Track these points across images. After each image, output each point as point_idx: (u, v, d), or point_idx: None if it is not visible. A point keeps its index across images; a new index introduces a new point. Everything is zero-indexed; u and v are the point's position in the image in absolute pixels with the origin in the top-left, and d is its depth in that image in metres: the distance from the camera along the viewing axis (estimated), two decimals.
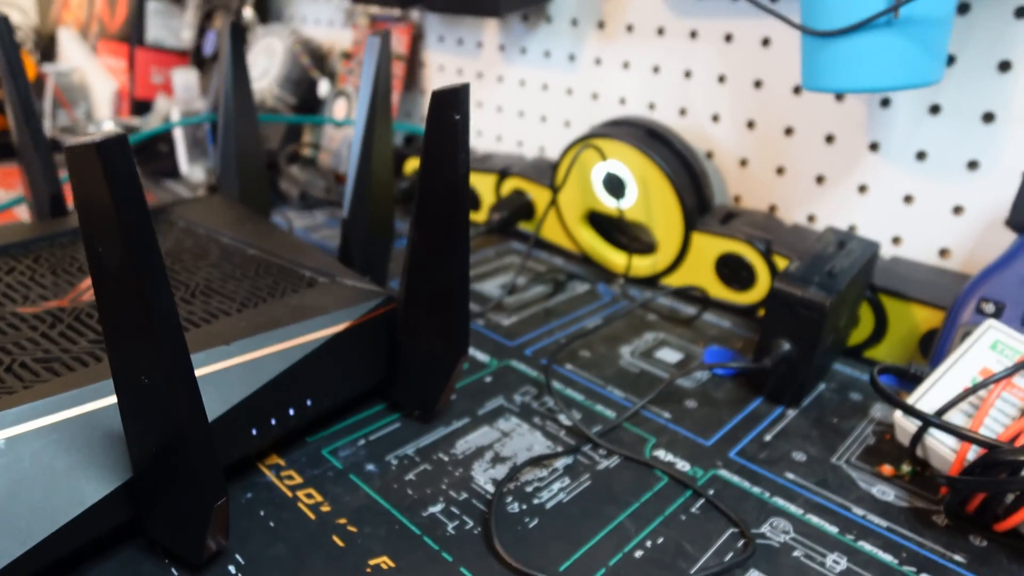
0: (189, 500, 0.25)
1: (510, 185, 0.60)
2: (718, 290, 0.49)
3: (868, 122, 0.45)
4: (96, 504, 0.25)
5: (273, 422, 0.31)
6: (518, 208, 0.59)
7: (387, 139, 0.42)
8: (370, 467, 0.34)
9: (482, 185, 0.62)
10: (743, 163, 0.52)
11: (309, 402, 0.33)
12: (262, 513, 0.30)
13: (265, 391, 0.30)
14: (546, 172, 0.58)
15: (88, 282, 0.37)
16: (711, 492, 0.33)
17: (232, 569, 0.28)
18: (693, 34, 0.51)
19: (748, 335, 0.47)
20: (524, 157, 0.65)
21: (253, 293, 0.36)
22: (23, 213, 0.64)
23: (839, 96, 0.46)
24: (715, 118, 0.52)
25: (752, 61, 0.49)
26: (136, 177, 0.18)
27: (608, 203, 0.53)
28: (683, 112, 0.53)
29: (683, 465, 0.34)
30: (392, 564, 0.28)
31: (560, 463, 0.34)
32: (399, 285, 0.34)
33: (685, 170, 0.49)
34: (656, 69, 0.54)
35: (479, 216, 0.64)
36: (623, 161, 0.50)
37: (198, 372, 0.28)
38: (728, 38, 0.50)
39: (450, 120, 0.26)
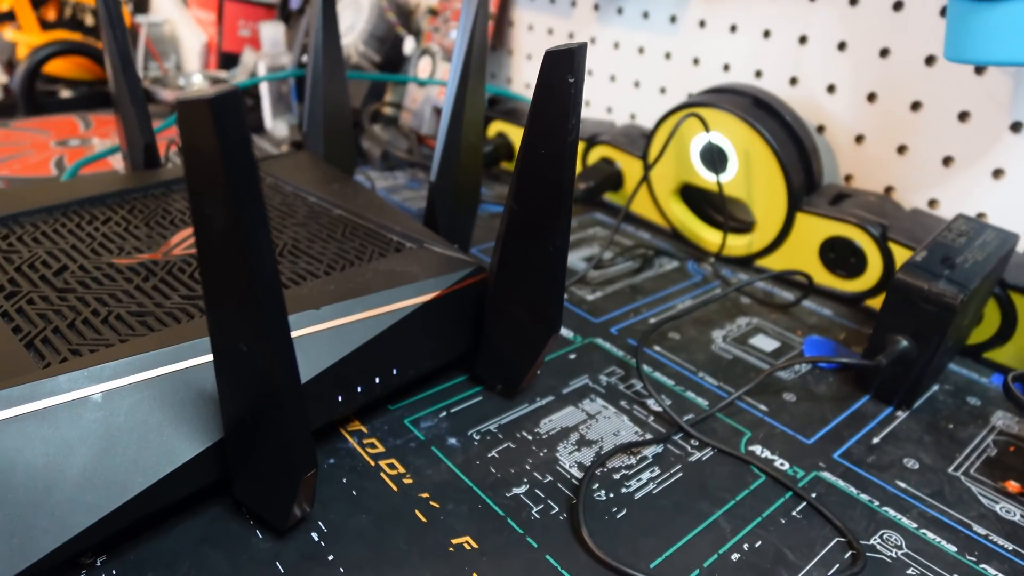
0: (279, 469, 0.24)
1: (598, 153, 0.57)
2: (821, 275, 0.46)
3: (1013, 99, 0.41)
4: (187, 462, 0.25)
5: (359, 389, 0.31)
6: (606, 178, 0.56)
7: (479, 103, 0.40)
8: (452, 441, 0.33)
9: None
10: (859, 139, 0.47)
11: (395, 371, 0.32)
12: (344, 481, 0.30)
13: (352, 358, 0.29)
14: (637, 141, 0.55)
15: (180, 236, 0.37)
16: (814, 495, 0.30)
17: (315, 536, 0.27)
18: None
19: (852, 325, 0.44)
20: (614, 124, 0.62)
21: (340, 255, 0.35)
22: (117, 162, 0.65)
23: (979, 69, 0.41)
24: (830, 89, 0.48)
25: (880, 27, 0.44)
26: (248, 135, 0.17)
27: (705, 177, 0.50)
28: (794, 81, 0.49)
29: (782, 463, 0.32)
30: (475, 545, 0.27)
31: (649, 451, 0.33)
32: (492, 255, 0.33)
33: (794, 145, 0.46)
34: (767, 33, 0.50)
35: None
36: (725, 133, 0.47)
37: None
38: (853, 1, 0.45)
39: (563, 82, 0.24)
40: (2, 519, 0.22)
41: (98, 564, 0.25)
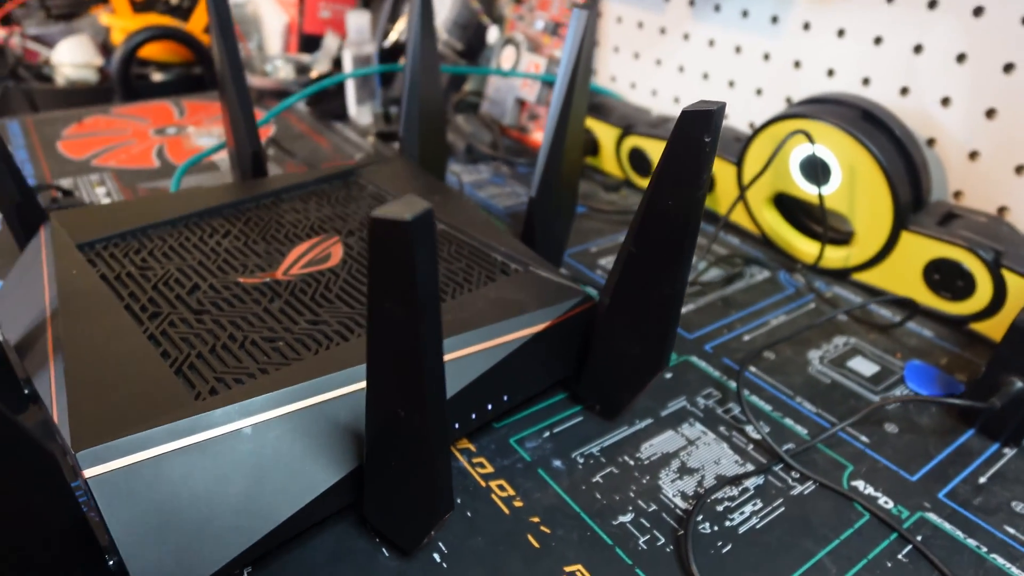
0: (419, 507, 0.26)
1: None
2: (923, 296, 0.45)
3: None
4: (328, 489, 0.27)
5: (473, 416, 0.32)
6: None
7: (581, 120, 0.41)
8: (557, 463, 0.34)
9: (658, 153, 0.59)
10: (973, 156, 0.46)
11: (506, 397, 0.33)
12: (459, 501, 0.32)
13: (469, 389, 0.31)
14: (730, 145, 0.54)
15: (295, 253, 0.39)
16: (919, 538, 0.30)
17: (437, 557, 0.29)
18: (932, 3, 0.45)
19: (954, 349, 0.43)
20: None
21: (450, 278, 0.36)
22: (212, 156, 0.68)
23: None
24: (945, 102, 0.46)
25: (1007, 41, 0.42)
26: (435, 254, 0.18)
27: (804, 188, 0.49)
28: (904, 91, 0.47)
29: (885, 501, 0.32)
30: (588, 574, 0.28)
31: (751, 483, 0.33)
32: (604, 288, 0.33)
33: (902, 160, 0.44)
34: (878, 40, 0.48)
35: (646, 181, 0.62)
36: (830, 146, 0.46)
37: None
38: (978, 11, 0.43)
39: (698, 141, 0.24)
40: (172, 544, 0.24)
41: (246, 573, 0.28)
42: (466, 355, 0.31)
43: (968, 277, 0.42)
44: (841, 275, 0.49)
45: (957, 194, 0.47)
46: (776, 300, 0.48)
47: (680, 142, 0.25)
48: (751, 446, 0.35)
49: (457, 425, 0.32)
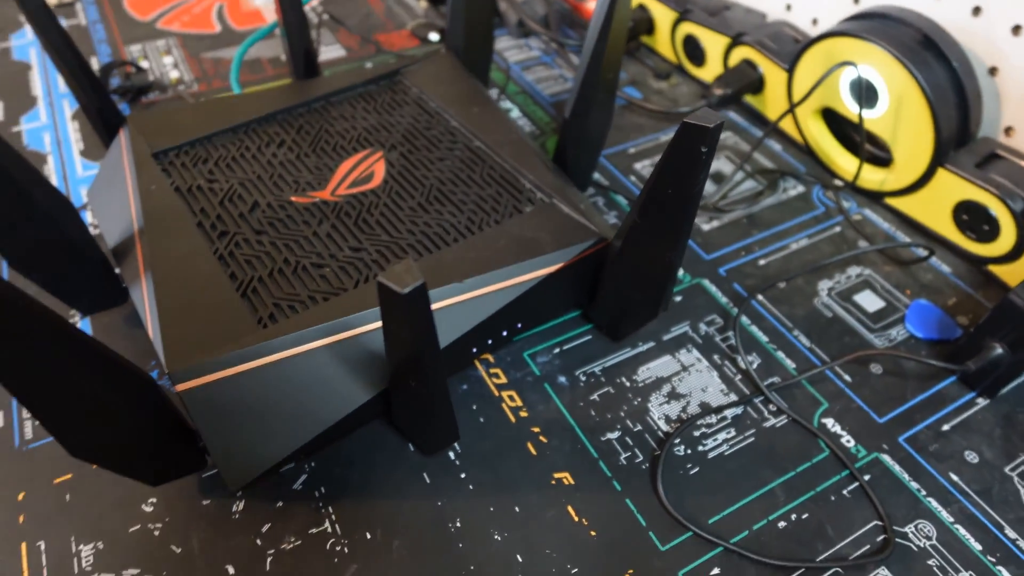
0: (431, 436, 0.32)
1: (740, 54, 0.55)
2: (949, 231, 0.45)
3: None
4: (363, 404, 0.33)
5: (489, 342, 0.37)
6: (746, 84, 0.54)
7: (620, 42, 0.40)
8: (562, 379, 0.39)
9: (711, 45, 0.57)
10: None
11: (519, 325, 0.38)
12: (474, 407, 0.38)
13: (487, 321, 0.35)
14: (787, 47, 0.52)
15: (343, 169, 0.42)
16: (867, 477, 0.35)
17: (452, 456, 0.36)
18: None
19: (967, 289, 0.44)
20: (764, 18, 0.58)
21: (479, 206, 0.40)
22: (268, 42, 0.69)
23: None
24: (1016, 30, 0.42)
25: None
26: (427, 312, 0.23)
27: (850, 107, 0.48)
28: (977, 11, 0.44)
29: (848, 440, 0.37)
30: (572, 481, 0.35)
31: (729, 412, 0.38)
32: (617, 232, 0.36)
33: (955, 93, 0.43)
34: None
35: (703, 72, 0.60)
36: (881, 71, 0.44)
37: (438, 305, 0.34)
38: None
39: (696, 151, 0.26)
40: (244, 438, 0.31)
41: (305, 461, 0.35)
42: (486, 293, 0.35)
43: (994, 223, 0.42)
44: (875, 197, 0.49)
45: (1008, 130, 0.45)
46: (803, 220, 0.49)
47: (680, 148, 0.26)
48: (739, 376, 0.40)
49: (475, 350, 0.37)
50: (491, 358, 0.40)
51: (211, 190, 0.40)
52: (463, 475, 0.35)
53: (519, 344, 0.41)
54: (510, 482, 0.35)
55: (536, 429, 0.37)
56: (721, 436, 0.37)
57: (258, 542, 0.32)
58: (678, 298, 0.44)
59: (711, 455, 0.36)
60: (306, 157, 0.43)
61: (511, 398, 0.38)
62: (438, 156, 0.43)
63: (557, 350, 0.41)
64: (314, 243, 0.37)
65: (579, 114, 0.42)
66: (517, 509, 0.34)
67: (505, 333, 0.38)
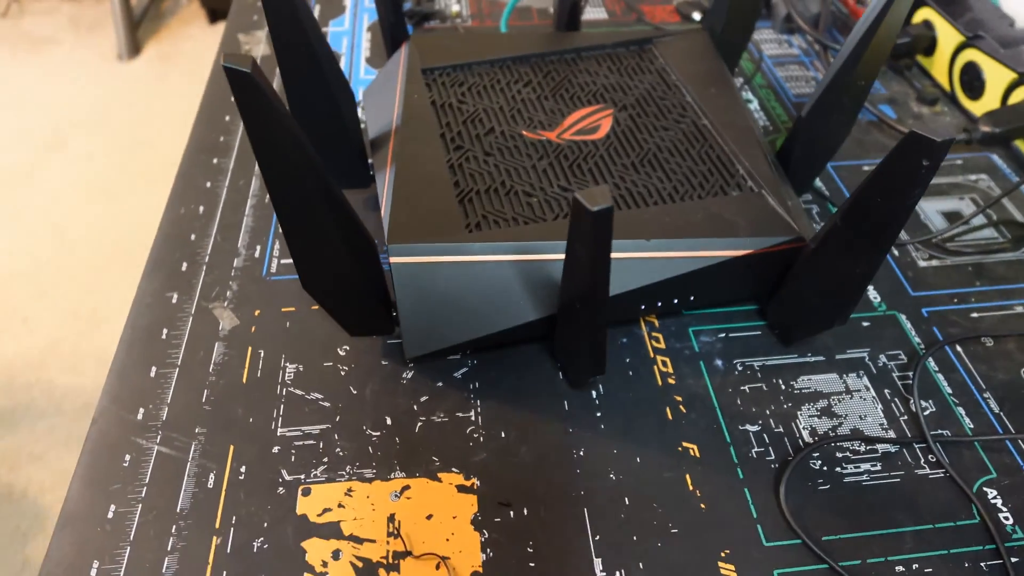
0: (583, 365, 0.35)
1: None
2: None
3: None
4: (533, 321, 0.37)
5: (659, 304, 0.39)
6: (1019, 129, 0.49)
7: (883, 52, 0.39)
8: (718, 362, 0.40)
9: (994, 78, 0.52)
10: None
11: (692, 298, 0.39)
12: (627, 360, 0.40)
13: (662, 284, 0.37)
14: None
15: (574, 116, 0.46)
16: (1014, 560, 0.32)
17: (593, 395, 0.38)
18: None
19: None
20: None
21: (687, 179, 0.41)
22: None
23: None
24: None
25: None
26: (608, 236, 0.26)
27: None
28: None
29: (1007, 517, 0.34)
30: (698, 455, 0.36)
31: (883, 448, 0.37)
32: (815, 236, 0.36)
33: None
34: None
35: (975, 106, 0.55)
36: None
37: (619, 255, 0.37)
38: None
39: (917, 164, 0.25)
40: (429, 317, 0.36)
41: (468, 352, 0.40)
42: (667, 257, 0.37)
43: None
44: None
45: None
46: None
47: (901, 158, 0.26)
48: (905, 417, 0.38)
49: (644, 307, 0.39)
50: (656, 322, 0.42)
51: (460, 109, 0.46)
52: (598, 414, 0.38)
53: (687, 319, 0.42)
54: (640, 436, 0.37)
55: (679, 398, 0.38)
56: (865, 466, 0.36)
57: (415, 407, 0.38)
58: (866, 323, 0.42)
59: (847, 479, 0.35)
60: (545, 100, 0.47)
61: (664, 363, 0.40)
62: (663, 125, 0.45)
63: (723, 335, 0.41)
64: (530, 174, 0.41)
65: (817, 114, 0.42)
66: (638, 460, 0.36)
67: (676, 301, 0.39)
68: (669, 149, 0.43)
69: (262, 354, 0.40)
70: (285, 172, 0.29)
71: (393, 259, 0.36)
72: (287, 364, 0.40)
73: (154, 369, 0.39)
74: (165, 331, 0.41)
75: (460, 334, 0.37)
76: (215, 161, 0.52)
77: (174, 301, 0.43)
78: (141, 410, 0.37)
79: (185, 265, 0.45)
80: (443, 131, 0.44)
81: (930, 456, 0.36)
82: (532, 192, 0.40)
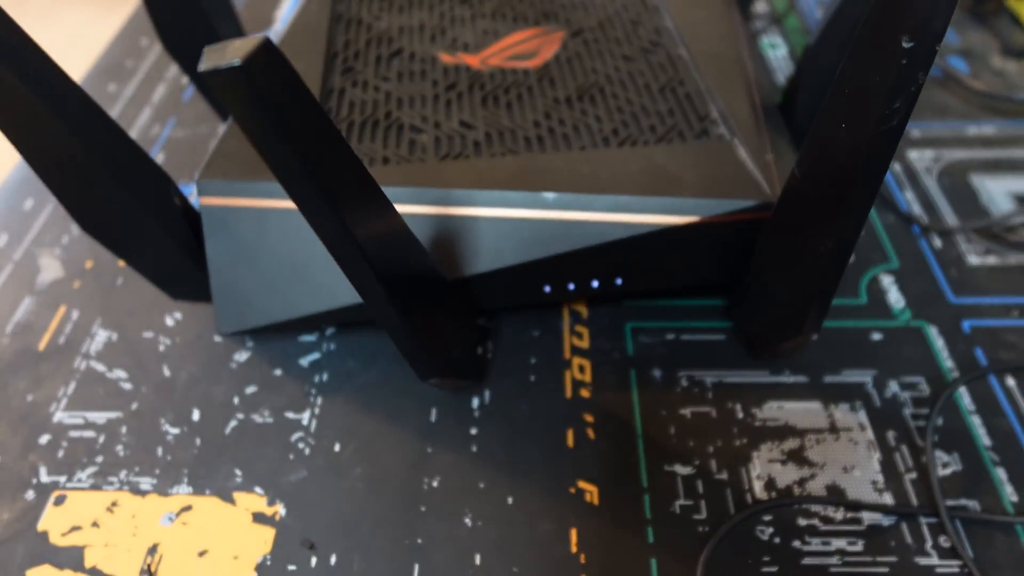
0: (419, 366, 0.25)
1: None
2: None
3: None
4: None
5: (571, 287, 0.28)
6: None
7: None
8: (656, 372, 0.29)
9: None
10: None
11: (619, 281, 0.28)
12: (533, 362, 0.30)
13: (568, 258, 0.27)
14: None
15: (507, 41, 0.35)
16: None
17: (475, 403, 0.28)
18: None
19: None
20: None
21: (634, 119, 0.30)
22: None
23: None
24: None
25: None
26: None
27: None
28: None
29: None
30: (596, 501, 0.25)
31: (870, 518, 0.25)
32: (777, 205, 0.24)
33: None
34: None
35: None
36: None
37: (505, 213, 0.26)
38: None
39: (893, 47, 0.14)
40: (289, 276, 0.27)
41: (327, 333, 0.31)
42: (576, 220, 0.26)
43: None
44: None
45: None
46: None
47: (869, 40, 0.15)
48: (912, 475, 0.26)
49: (548, 289, 0.28)
50: (584, 312, 0.31)
51: (370, 26, 0.36)
52: (473, 431, 0.27)
53: (626, 312, 0.31)
54: (522, 466, 0.26)
55: (589, 418, 0.28)
56: (838, 543, 0.24)
57: (234, 400, 0.29)
58: (877, 335, 0.30)
59: (807, 560, 0.24)
60: (481, 18, 0.36)
61: (580, 368, 0.29)
62: (625, 53, 0.34)
63: (671, 335, 0.30)
64: (428, 105, 0.31)
65: (828, 43, 0.30)
66: (510, 501, 0.26)
67: (596, 285, 0.28)
68: (622, 82, 0.32)
69: (74, 316, 0.32)
70: None
71: (203, 199, 0.27)
72: (99, 331, 0.31)
73: None
74: None
75: (287, 307, 0.28)
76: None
77: (1, 245, 0.35)
78: None
79: (31, 203, 0.37)
80: (337, 50, 0.34)
81: (942, 538, 0.24)
82: (422, 127, 0.30)
